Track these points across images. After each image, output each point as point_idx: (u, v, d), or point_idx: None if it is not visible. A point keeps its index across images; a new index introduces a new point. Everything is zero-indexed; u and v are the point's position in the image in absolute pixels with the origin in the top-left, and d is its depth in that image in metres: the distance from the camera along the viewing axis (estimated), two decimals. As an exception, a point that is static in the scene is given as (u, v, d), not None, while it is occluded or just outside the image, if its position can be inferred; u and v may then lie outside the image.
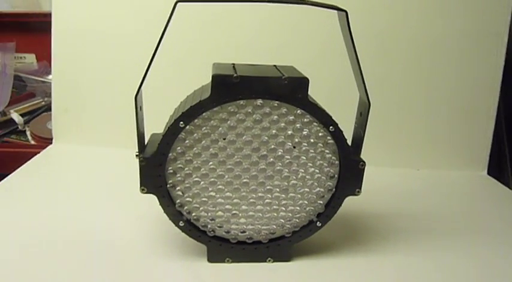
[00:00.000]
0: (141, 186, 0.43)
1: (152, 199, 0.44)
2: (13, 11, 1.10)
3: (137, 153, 0.44)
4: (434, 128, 0.83)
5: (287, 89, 0.41)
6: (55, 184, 0.66)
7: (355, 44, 0.42)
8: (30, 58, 1.11)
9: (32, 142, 0.89)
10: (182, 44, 0.73)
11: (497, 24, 0.79)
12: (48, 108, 0.99)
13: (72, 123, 0.83)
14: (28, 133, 0.90)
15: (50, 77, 1.07)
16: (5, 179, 0.66)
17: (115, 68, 0.80)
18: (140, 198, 0.59)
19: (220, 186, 0.44)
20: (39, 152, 0.79)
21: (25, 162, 0.73)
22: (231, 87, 0.41)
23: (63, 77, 0.82)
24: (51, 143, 0.83)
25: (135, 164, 0.72)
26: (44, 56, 1.13)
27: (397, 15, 0.78)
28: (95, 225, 0.54)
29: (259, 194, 0.45)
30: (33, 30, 1.10)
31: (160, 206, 0.45)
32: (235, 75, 0.40)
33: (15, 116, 0.91)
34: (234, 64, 0.46)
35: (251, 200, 0.45)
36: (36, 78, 1.07)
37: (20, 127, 0.92)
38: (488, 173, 0.82)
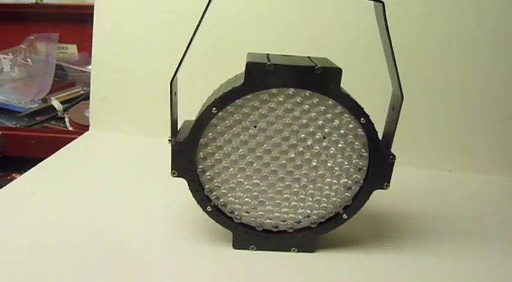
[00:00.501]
0: (172, 169, 0.45)
1: (182, 187, 0.45)
2: (57, 3, 1.15)
3: (170, 138, 0.45)
4: (470, 130, 0.80)
5: (320, 79, 0.42)
6: (90, 168, 0.69)
7: (391, 37, 0.41)
8: (72, 49, 1.16)
9: (70, 128, 0.93)
10: (217, 34, 0.74)
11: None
12: (86, 97, 1.03)
13: (109, 112, 0.86)
14: (67, 120, 0.94)
15: (89, 67, 1.11)
16: (43, 162, 0.69)
17: (152, 58, 0.82)
18: (171, 186, 0.61)
19: (248, 173, 0.45)
20: (75, 138, 0.82)
21: (62, 146, 0.76)
22: (264, 75, 0.41)
23: (102, 67, 0.85)
24: (87, 130, 0.87)
25: (168, 152, 0.74)
26: (85, 47, 1.17)
27: (435, 13, 0.76)
28: (125, 210, 0.56)
29: (287, 183, 0.46)
30: (75, 22, 1.14)
31: (189, 191, 0.46)
32: (268, 63, 0.41)
33: (56, 103, 0.96)
34: (268, 54, 0.47)
35: (278, 188, 0.46)
36: (77, 68, 1.11)
37: (59, 114, 0.96)
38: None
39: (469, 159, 0.81)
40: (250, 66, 0.41)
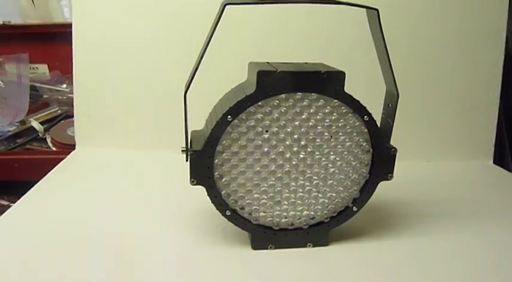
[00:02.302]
0: (191, 178, 0.46)
1: (189, 195, 0.47)
2: (25, 23, 1.13)
3: (183, 148, 0.47)
4: (442, 122, 0.87)
5: (325, 82, 0.45)
6: (89, 186, 0.68)
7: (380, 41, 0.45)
8: (43, 68, 1.14)
9: (54, 148, 0.91)
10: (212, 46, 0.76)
11: (496, 22, 0.84)
12: (66, 116, 1.02)
13: (94, 128, 0.85)
14: (49, 140, 0.92)
15: (63, 86, 1.10)
16: (37, 185, 0.68)
17: (133, 72, 0.83)
18: (174, 195, 0.63)
19: (264, 176, 0.47)
20: (61, 158, 0.81)
21: (48, 168, 0.75)
22: (274, 82, 0.44)
23: (84, 83, 0.84)
24: (72, 149, 0.85)
25: (163, 163, 0.75)
26: (56, 66, 1.15)
27: (402, 14, 0.82)
28: (139, 222, 0.57)
29: (300, 182, 0.48)
30: (44, 41, 1.12)
31: (208, 197, 0.47)
32: (278, 71, 0.44)
33: (35, 124, 0.94)
34: (268, 62, 0.50)
35: (293, 188, 0.48)
36: (50, 87, 1.09)
37: (40, 135, 0.94)
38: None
39: (444, 148, 0.87)
40: (260, 74, 0.43)
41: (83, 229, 0.54)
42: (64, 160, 0.79)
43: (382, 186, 0.51)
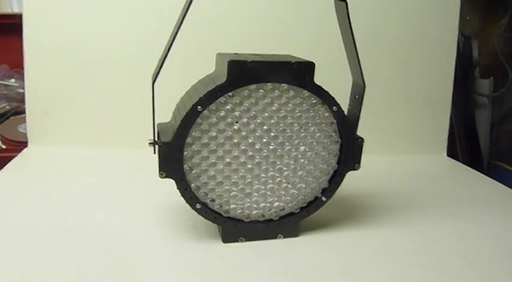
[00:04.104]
0: (160, 170, 0.45)
1: (143, 191, 0.45)
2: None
3: (151, 141, 0.45)
4: (399, 117, 0.90)
5: (296, 73, 0.45)
6: (41, 185, 0.64)
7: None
8: (-11, 62, 1.06)
9: (3, 146, 0.85)
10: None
11: (450, 22, 0.88)
12: (15, 112, 0.96)
13: (48, 125, 0.81)
14: (-3, 138, 0.86)
15: (12, 80, 1.03)
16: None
17: (87, 65, 0.79)
18: (139, 192, 0.61)
19: (234, 167, 0.47)
20: (11, 156, 0.76)
21: (-1, 165, 0.71)
22: (245, 72, 0.43)
23: (36, 79, 0.80)
24: (24, 146, 0.81)
25: (120, 161, 0.72)
26: (4, 60, 1.08)
27: (367, 10, 0.84)
28: (103, 218, 0.54)
29: (271, 173, 0.48)
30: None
31: (177, 190, 0.46)
32: (249, 61, 0.43)
33: (-18, 121, 0.87)
34: (236, 53, 0.49)
35: (263, 179, 0.48)
36: (-2, 82, 1.02)
37: (-13, 132, 0.88)
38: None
39: (401, 143, 0.91)
40: (231, 64, 0.43)
41: (40, 228, 0.51)
42: (15, 158, 0.74)
43: (348, 179, 0.51)
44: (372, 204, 0.63)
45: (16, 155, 0.76)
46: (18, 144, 0.83)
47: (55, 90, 0.80)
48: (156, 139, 0.45)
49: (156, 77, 0.44)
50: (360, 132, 0.51)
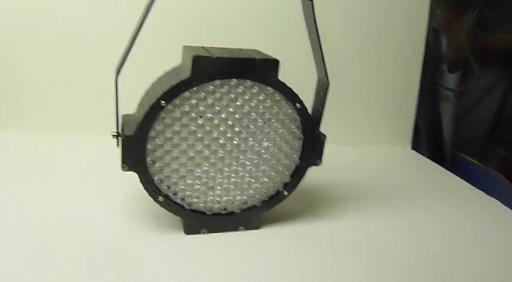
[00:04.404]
0: (122, 163, 0.45)
1: (118, 180, 0.45)
2: None
3: (114, 133, 0.45)
4: (366, 108, 0.93)
5: (260, 69, 0.45)
6: (11, 170, 0.64)
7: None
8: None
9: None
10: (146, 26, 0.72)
11: (419, 14, 0.90)
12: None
13: (9, 110, 0.79)
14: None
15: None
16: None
17: (49, 48, 0.77)
18: (103, 180, 0.61)
19: (198, 161, 0.47)
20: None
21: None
22: (209, 67, 0.44)
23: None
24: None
25: (83, 149, 0.71)
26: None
27: (333, 6, 0.85)
28: (65, 206, 0.54)
29: (234, 168, 0.49)
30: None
31: (140, 183, 0.47)
32: (214, 56, 0.43)
33: None
34: (204, 47, 0.49)
35: (226, 174, 0.49)
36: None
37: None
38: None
39: (367, 134, 0.93)
40: (196, 59, 0.43)
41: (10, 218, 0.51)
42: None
43: (311, 169, 0.53)
44: (333, 195, 0.65)
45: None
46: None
47: (12, 73, 0.77)
48: (120, 131, 0.45)
49: (120, 69, 0.44)
50: (325, 121, 0.52)
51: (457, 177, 0.80)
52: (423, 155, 0.93)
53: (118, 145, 0.45)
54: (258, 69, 0.45)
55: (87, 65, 0.79)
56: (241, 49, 0.51)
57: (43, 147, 0.74)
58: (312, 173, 0.53)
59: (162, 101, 0.44)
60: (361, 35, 0.88)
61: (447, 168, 0.84)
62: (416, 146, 0.97)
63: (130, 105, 0.50)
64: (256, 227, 0.53)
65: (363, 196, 0.67)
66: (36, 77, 0.78)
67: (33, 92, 0.79)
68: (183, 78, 0.44)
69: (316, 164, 0.53)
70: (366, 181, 0.74)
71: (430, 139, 1.07)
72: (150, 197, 0.48)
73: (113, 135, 0.45)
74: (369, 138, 0.93)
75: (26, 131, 0.78)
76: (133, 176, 0.46)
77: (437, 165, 0.87)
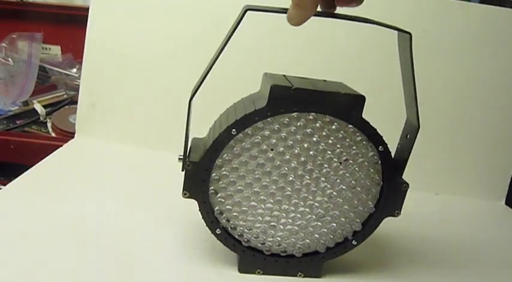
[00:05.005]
0: (183, 190, 0.43)
1: (183, 204, 0.44)
2: (42, 2, 1.11)
3: (181, 156, 0.44)
4: (457, 155, 0.83)
5: (343, 105, 0.41)
6: (82, 178, 0.65)
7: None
8: (55, 50, 1.12)
9: (53, 134, 0.89)
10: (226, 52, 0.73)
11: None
12: (70, 101, 0.99)
13: (97, 119, 0.82)
14: (49, 125, 0.90)
15: (73, 70, 1.07)
16: (30, 170, 0.65)
17: (145, 66, 0.80)
18: (166, 202, 0.60)
19: (262, 197, 0.44)
20: (58, 145, 0.78)
21: (44, 153, 0.72)
22: (287, 98, 0.41)
23: (93, 71, 0.81)
24: (72, 137, 0.83)
25: (159, 165, 0.71)
26: (69, 49, 1.13)
27: (432, 43, 0.78)
28: (117, 227, 0.53)
29: (301, 209, 0.45)
30: (60, 22, 1.10)
31: (199, 212, 0.44)
32: (293, 87, 0.40)
33: (38, 107, 0.91)
34: (285, 75, 0.46)
35: (292, 214, 0.45)
36: (60, 70, 1.07)
37: (41, 118, 0.91)
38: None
39: (455, 182, 0.83)
40: (274, 88, 0.40)
41: (69, 221, 0.51)
42: (61, 148, 0.76)
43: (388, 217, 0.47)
44: (408, 250, 0.58)
45: (62, 145, 0.78)
46: (67, 134, 0.86)
47: (107, 85, 0.81)
48: (186, 156, 0.44)
49: (194, 93, 0.42)
50: (410, 164, 0.46)
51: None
52: None
53: (183, 170, 0.44)
54: (341, 104, 0.41)
55: (171, 86, 0.80)
56: (325, 80, 0.47)
57: (119, 158, 0.76)
58: (386, 220, 0.47)
59: (233, 130, 0.41)
60: (466, 80, 0.80)
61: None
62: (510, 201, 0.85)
63: (204, 129, 0.48)
64: (316, 276, 0.48)
65: (441, 254, 0.58)
66: (128, 92, 0.81)
67: (120, 104, 0.82)
68: (257, 108, 0.41)
69: (394, 215, 0.47)
70: (447, 236, 0.64)
71: None
72: (207, 228, 0.45)
73: (179, 159, 0.44)
74: (457, 188, 0.83)
75: (106, 140, 0.80)
76: (194, 203, 0.44)
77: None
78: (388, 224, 0.48)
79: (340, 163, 0.44)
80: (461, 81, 0.80)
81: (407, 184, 0.45)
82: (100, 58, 0.80)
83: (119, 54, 0.80)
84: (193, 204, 0.44)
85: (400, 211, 0.46)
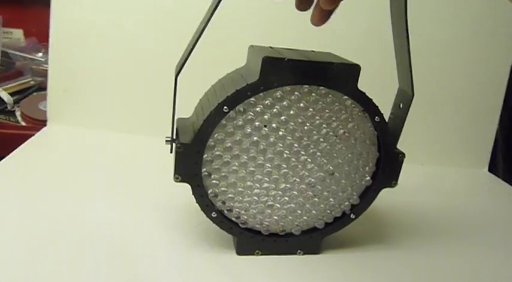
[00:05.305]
0: (175, 174, 0.40)
1: (170, 188, 0.42)
2: (-1, -18, 1.02)
3: (169, 138, 0.41)
4: (440, 125, 0.83)
5: (338, 75, 0.39)
6: (60, 167, 0.62)
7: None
8: (18, 33, 1.05)
9: (23, 123, 0.83)
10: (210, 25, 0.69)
11: (506, 27, 0.79)
12: (39, 88, 0.93)
13: (69, 105, 0.77)
14: (18, 114, 0.85)
15: (39, 54, 1.01)
16: (2, 161, 0.61)
17: (115, 47, 0.75)
18: (156, 185, 0.57)
19: (258, 176, 0.42)
20: (30, 134, 0.73)
21: (14, 144, 0.68)
22: (280, 71, 0.38)
23: (61, 55, 0.76)
24: (43, 125, 0.78)
25: (140, 149, 0.67)
26: (32, 33, 1.06)
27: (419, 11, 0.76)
28: (112, 212, 0.51)
29: (298, 186, 0.43)
30: (21, 4, 1.03)
31: (192, 196, 0.42)
32: (286, 58, 0.38)
33: (4, 95, 0.85)
34: (272, 47, 0.44)
35: (289, 192, 0.43)
36: (24, 55, 1.00)
37: (8, 107, 0.86)
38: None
39: (440, 153, 0.83)
40: (266, 60, 0.38)
41: (51, 217, 0.48)
42: (33, 137, 0.72)
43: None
44: (403, 221, 0.58)
45: (34, 134, 0.74)
46: (38, 123, 0.81)
47: (77, 68, 0.76)
48: (174, 137, 0.41)
49: (181, 69, 0.39)
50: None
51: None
52: (497, 175, 0.82)
53: (171, 152, 0.41)
54: (336, 75, 0.39)
55: (147, 65, 0.76)
56: (313, 51, 0.45)
57: (97, 145, 0.72)
58: (379, 194, 0.47)
59: (225, 107, 0.39)
60: (448, 50, 0.79)
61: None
62: (491, 166, 0.86)
63: (187, 108, 0.45)
64: (316, 252, 0.47)
65: (432, 223, 0.59)
66: (99, 75, 0.77)
67: (93, 90, 0.77)
68: (249, 82, 0.38)
69: (391, 186, 0.46)
70: (437, 206, 0.65)
71: (507, 159, 0.95)
72: (202, 211, 0.43)
73: (167, 141, 0.41)
74: (442, 159, 0.83)
75: (80, 126, 0.76)
76: (185, 186, 0.42)
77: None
78: (378, 196, 0.47)
79: (337, 136, 0.42)
80: (443, 53, 0.79)
81: (404, 154, 0.45)
82: (68, 40, 0.75)
83: (88, 34, 0.75)
84: (183, 187, 0.42)
85: (397, 181, 0.46)
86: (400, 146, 0.46)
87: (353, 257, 0.48)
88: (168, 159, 0.43)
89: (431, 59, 0.79)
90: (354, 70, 0.40)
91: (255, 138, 0.41)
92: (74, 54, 0.76)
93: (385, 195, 0.50)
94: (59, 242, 0.44)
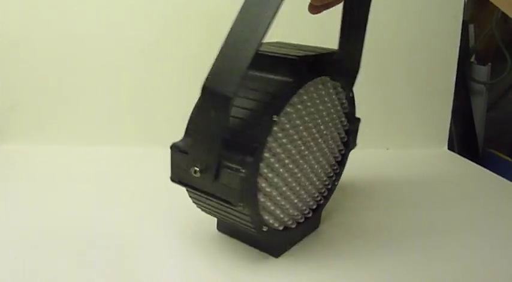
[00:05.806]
0: (240, 201, 0.35)
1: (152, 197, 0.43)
2: None
3: (236, 167, 0.35)
4: (400, 109, 0.84)
5: (340, 63, 0.43)
6: (15, 188, 0.56)
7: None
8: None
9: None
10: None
11: (454, 9, 0.83)
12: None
13: (19, 122, 0.70)
14: None
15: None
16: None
17: (63, 58, 0.69)
18: (117, 197, 0.55)
19: (288, 177, 0.42)
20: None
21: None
22: (309, 67, 0.39)
23: (6, 71, 0.68)
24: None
25: (99, 160, 0.66)
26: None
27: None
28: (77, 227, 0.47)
29: (310, 174, 0.45)
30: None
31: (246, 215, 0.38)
32: (309, 55, 0.39)
33: None
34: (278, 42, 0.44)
35: (303, 183, 0.45)
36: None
37: None
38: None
39: (401, 136, 0.85)
40: (299, 60, 0.38)
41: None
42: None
43: (344, 176, 0.52)
44: (372, 201, 0.61)
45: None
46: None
47: (25, 83, 0.69)
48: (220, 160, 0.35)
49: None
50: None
51: (497, 176, 0.73)
52: (454, 151, 0.87)
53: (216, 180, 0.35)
54: (338, 63, 0.43)
55: (100, 74, 0.71)
56: (291, 44, 0.46)
57: (53, 160, 0.65)
58: (349, 177, 0.51)
59: (274, 116, 0.36)
60: (393, 29, 0.79)
61: (481, 165, 0.78)
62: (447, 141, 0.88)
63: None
64: (316, 227, 0.51)
65: (400, 201, 0.61)
66: (45, 88, 0.70)
67: (42, 103, 0.70)
68: (285, 84, 0.37)
69: (353, 148, 0.53)
70: (403, 185, 0.67)
71: (462, 135, 0.97)
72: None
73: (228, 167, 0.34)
74: (403, 140, 0.84)
75: (35, 144, 0.69)
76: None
77: (475, 164, 0.79)
78: (351, 180, 0.51)
79: (331, 120, 0.46)
80: (397, 33, 0.80)
81: (359, 119, 0.52)
82: (11, 55, 0.67)
83: (31, 48, 0.68)
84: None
85: (356, 142, 0.53)
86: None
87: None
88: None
89: (385, 45, 0.80)
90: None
91: (284, 140, 0.40)
92: (19, 69, 0.68)
93: (358, 178, 0.54)
94: (50, 250, 0.42)
